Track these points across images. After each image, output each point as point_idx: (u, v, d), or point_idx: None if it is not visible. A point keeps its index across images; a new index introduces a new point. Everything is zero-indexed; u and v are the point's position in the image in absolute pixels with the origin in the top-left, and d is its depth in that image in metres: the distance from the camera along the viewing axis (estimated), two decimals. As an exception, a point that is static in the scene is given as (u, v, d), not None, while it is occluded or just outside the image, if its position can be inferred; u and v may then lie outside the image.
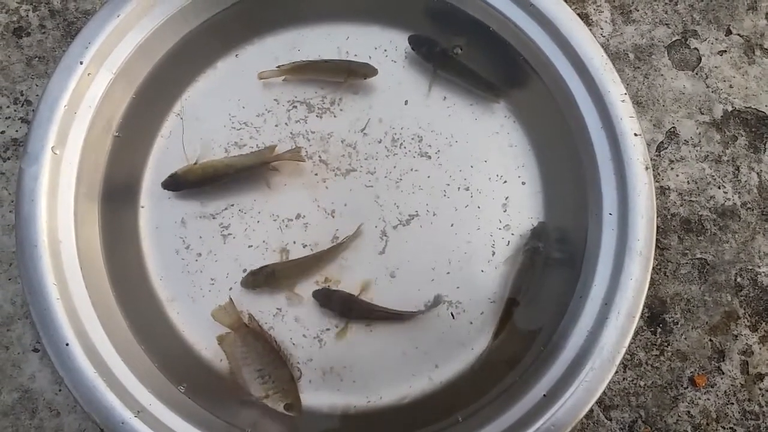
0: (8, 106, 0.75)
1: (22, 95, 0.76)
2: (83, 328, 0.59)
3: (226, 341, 0.63)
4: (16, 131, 0.75)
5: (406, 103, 0.74)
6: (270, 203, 0.70)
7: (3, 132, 0.74)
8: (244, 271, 0.68)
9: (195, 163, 0.69)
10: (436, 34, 0.74)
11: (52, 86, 0.63)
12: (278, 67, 0.72)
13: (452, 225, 0.71)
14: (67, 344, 0.57)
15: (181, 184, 0.69)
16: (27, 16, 0.78)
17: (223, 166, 0.69)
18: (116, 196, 0.69)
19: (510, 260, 0.70)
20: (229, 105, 0.73)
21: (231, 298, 0.65)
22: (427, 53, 0.73)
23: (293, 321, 0.67)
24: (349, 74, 0.72)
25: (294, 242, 0.69)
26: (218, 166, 0.69)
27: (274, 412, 0.62)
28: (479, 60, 0.74)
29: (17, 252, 0.59)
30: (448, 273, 0.69)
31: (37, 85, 0.76)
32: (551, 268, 0.69)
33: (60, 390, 0.68)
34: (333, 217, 0.70)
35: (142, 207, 0.69)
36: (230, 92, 0.73)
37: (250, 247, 0.69)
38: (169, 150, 0.71)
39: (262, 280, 0.67)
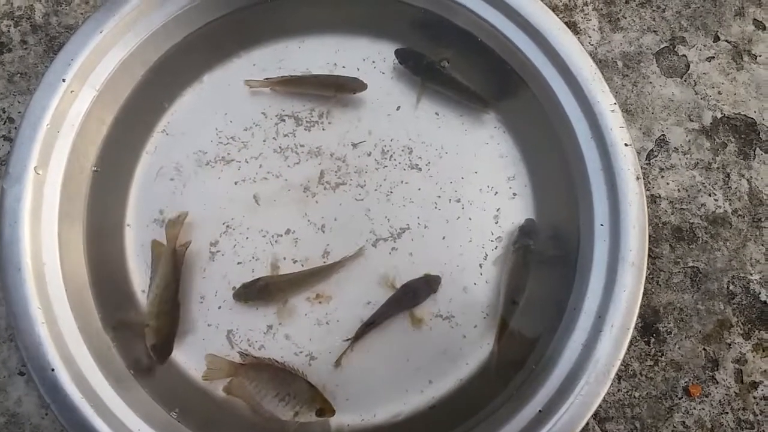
0: (-10, 124, 0.74)
1: (3, 112, 0.74)
2: (69, 353, 0.57)
3: (233, 388, 0.62)
4: (-1, 149, 0.73)
5: (396, 112, 0.73)
6: (259, 219, 0.69)
7: (-15, 150, 0.73)
8: (233, 288, 0.67)
9: (147, 325, 0.63)
10: (424, 45, 0.74)
11: (34, 105, 0.62)
12: (266, 79, 0.71)
13: (444, 237, 0.70)
14: (52, 370, 0.56)
15: (164, 348, 0.63)
16: (8, 31, 0.77)
17: (160, 295, 0.63)
18: (101, 215, 0.68)
19: (500, 260, 0.69)
20: (215, 119, 0.72)
21: (209, 355, 0.63)
22: (414, 67, 0.73)
23: (284, 339, 0.66)
24: (337, 89, 0.72)
25: (284, 258, 0.68)
26: (160, 304, 0.63)
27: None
28: (468, 71, 0.74)
29: (0, 275, 0.58)
30: (441, 285, 0.68)
31: (19, 102, 0.75)
32: (546, 268, 0.68)
33: (47, 414, 0.66)
34: (323, 231, 0.69)
35: (128, 225, 0.68)
36: (217, 106, 0.72)
37: (239, 264, 0.68)
38: (154, 167, 0.70)
39: (255, 293, 0.66)
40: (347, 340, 0.66)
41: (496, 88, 0.74)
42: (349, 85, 0.72)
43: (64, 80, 0.63)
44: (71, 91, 0.64)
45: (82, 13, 0.78)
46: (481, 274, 0.69)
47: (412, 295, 0.67)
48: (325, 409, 0.61)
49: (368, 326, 0.66)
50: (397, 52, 0.73)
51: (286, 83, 0.72)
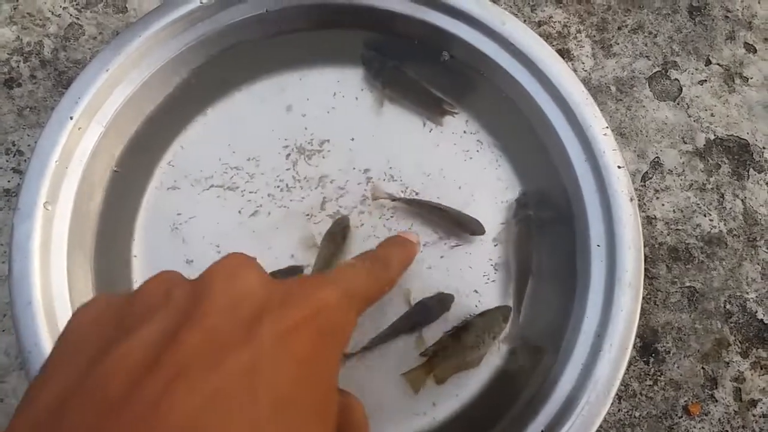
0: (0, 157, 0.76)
1: (13, 145, 0.77)
2: (79, 384, 0.59)
3: (440, 377, 0.65)
4: (8, 182, 0.75)
5: (397, 139, 0.75)
6: (262, 247, 0.71)
7: (-5, 184, 0.75)
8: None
9: None
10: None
11: (43, 142, 0.63)
12: (393, 200, 0.73)
13: (443, 258, 0.71)
14: (63, 401, 0.57)
15: None
16: (18, 67, 0.79)
17: None
18: (109, 247, 0.69)
19: (503, 233, 0.71)
20: (219, 151, 0.74)
21: (403, 374, 0.65)
22: (377, 70, 0.75)
23: (289, 365, 0.67)
24: (456, 224, 0.72)
25: (288, 285, 0.70)
26: None
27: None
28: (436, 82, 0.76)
29: (11, 310, 0.59)
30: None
31: (28, 135, 0.77)
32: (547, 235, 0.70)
33: (57, 442, 0.67)
34: (326, 258, 0.71)
35: (135, 257, 0.70)
36: (220, 138, 0.74)
37: (244, 291, 0.69)
38: (160, 199, 0.72)
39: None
40: (350, 354, 0.67)
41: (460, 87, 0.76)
42: (469, 225, 0.71)
43: (71, 118, 0.65)
44: (79, 128, 0.65)
45: (90, 48, 0.81)
46: (481, 297, 0.70)
47: (425, 312, 0.68)
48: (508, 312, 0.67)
49: (377, 341, 0.67)
50: (362, 56, 0.75)
51: (410, 203, 0.73)
